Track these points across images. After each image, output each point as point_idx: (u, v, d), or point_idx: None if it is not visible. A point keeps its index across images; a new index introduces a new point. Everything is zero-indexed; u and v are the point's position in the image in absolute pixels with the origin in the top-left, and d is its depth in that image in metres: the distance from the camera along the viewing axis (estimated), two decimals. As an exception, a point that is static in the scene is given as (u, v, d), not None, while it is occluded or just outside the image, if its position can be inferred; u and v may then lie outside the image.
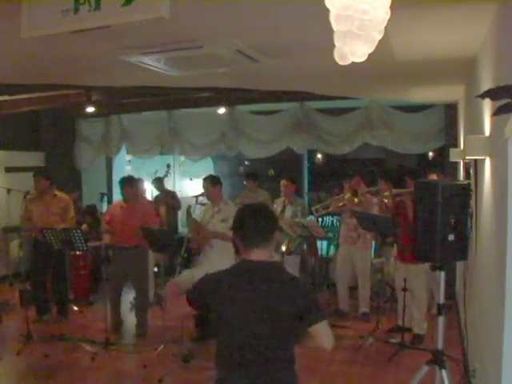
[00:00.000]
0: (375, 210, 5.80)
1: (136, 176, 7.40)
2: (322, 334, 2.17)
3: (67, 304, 6.23)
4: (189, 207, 5.15)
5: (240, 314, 2.15)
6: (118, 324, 5.67)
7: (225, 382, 2.20)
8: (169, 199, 7.66)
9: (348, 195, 5.96)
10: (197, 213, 5.37)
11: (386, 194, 5.51)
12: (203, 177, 5.39)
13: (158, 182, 7.92)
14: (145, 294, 5.75)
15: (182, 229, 8.17)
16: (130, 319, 5.85)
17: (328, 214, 6.51)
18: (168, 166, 7.67)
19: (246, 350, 2.16)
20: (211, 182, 5.20)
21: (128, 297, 6.20)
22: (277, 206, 6.30)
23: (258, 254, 2.21)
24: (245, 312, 2.15)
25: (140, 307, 5.67)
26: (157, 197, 7.92)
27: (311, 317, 2.15)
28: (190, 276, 4.45)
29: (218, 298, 2.19)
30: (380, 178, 6.06)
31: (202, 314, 2.18)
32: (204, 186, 5.27)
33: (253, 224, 2.20)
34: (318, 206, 6.22)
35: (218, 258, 4.68)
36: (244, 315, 2.15)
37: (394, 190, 5.45)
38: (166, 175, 7.77)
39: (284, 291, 2.15)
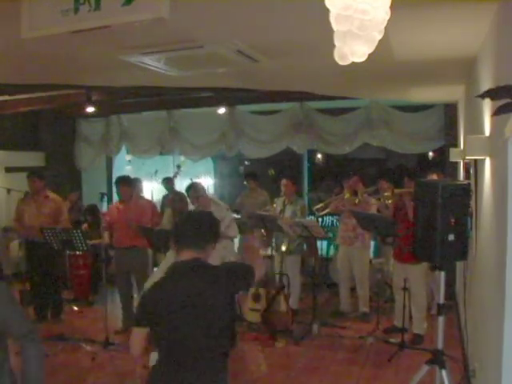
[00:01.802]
0: (373, 210, 5.80)
1: (136, 176, 7.43)
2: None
3: (61, 305, 6.18)
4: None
5: (176, 313, 2.21)
6: (130, 324, 5.63)
7: (162, 376, 2.26)
8: (176, 201, 7.64)
9: (347, 195, 5.96)
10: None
11: (387, 194, 5.52)
12: (185, 187, 5.48)
13: (167, 182, 7.89)
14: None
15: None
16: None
17: (328, 214, 6.51)
18: (178, 166, 7.68)
19: (182, 350, 2.22)
20: (193, 189, 5.31)
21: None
22: (277, 206, 6.30)
23: (189, 255, 2.29)
24: (180, 310, 2.21)
25: None
26: (164, 197, 7.89)
27: (247, 284, 2.43)
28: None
29: (155, 306, 2.25)
30: (380, 178, 6.07)
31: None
32: (188, 195, 5.38)
33: (184, 228, 2.35)
34: (319, 206, 6.22)
35: (220, 256, 4.83)
36: (180, 313, 2.21)
37: (395, 190, 5.45)
38: (175, 175, 7.77)
39: (217, 281, 2.24)
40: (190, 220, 2.42)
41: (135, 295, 5.99)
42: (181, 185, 9.40)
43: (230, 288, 2.28)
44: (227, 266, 2.51)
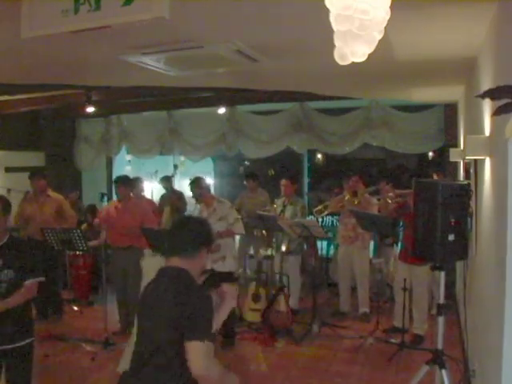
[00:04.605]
0: (374, 211, 5.80)
1: (136, 176, 7.42)
2: (193, 354, 2.05)
3: (61, 305, 6.18)
4: None
5: (142, 317, 2.27)
6: (126, 326, 5.62)
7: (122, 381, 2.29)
8: (174, 200, 7.65)
9: (348, 196, 5.96)
10: (196, 213, 5.40)
11: (389, 194, 5.52)
12: (190, 180, 5.46)
13: (166, 181, 7.89)
14: (138, 294, 5.65)
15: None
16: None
17: (327, 214, 6.51)
18: (175, 166, 7.67)
19: (140, 353, 2.23)
20: (197, 184, 5.29)
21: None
22: (277, 206, 6.30)
23: (176, 262, 2.26)
24: (146, 314, 2.25)
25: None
26: (163, 196, 7.90)
27: (188, 332, 2.07)
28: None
29: (139, 304, 2.32)
30: (381, 179, 6.07)
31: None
32: (191, 190, 5.36)
33: (172, 234, 2.33)
34: (318, 208, 6.22)
35: (225, 253, 5.07)
36: (144, 317, 2.25)
37: (397, 191, 5.45)
38: (173, 175, 7.77)
39: (176, 297, 2.14)
40: (179, 226, 2.37)
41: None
42: (180, 184, 9.42)
43: (176, 316, 2.11)
44: (199, 297, 2.17)
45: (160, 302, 2.17)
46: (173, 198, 7.62)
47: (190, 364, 2.05)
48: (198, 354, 2.04)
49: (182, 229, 2.34)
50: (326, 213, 6.25)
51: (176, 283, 2.19)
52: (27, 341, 3.07)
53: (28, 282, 3.02)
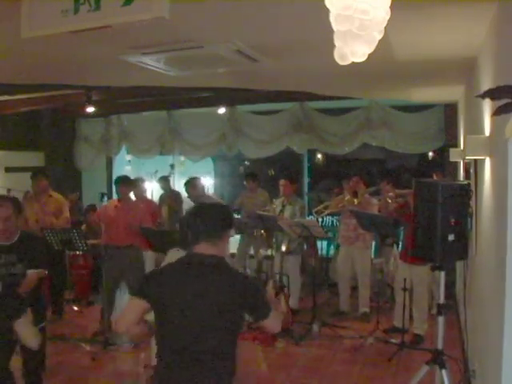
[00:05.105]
0: (375, 211, 5.79)
1: (137, 176, 7.43)
2: (273, 323, 2.31)
3: (62, 304, 6.16)
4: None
5: (184, 308, 2.16)
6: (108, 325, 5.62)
7: (166, 375, 2.20)
8: (171, 200, 7.67)
9: (348, 197, 5.96)
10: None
11: (390, 194, 5.51)
12: (184, 181, 5.46)
13: (164, 182, 7.90)
14: None
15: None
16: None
17: (327, 214, 6.51)
18: (171, 166, 7.69)
19: (188, 344, 2.15)
20: (191, 185, 5.30)
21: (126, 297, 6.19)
22: (276, 206, 6.30)
23: (205, 248, 2.22)
24: (190, 305, 2.16)
25: None
26: (161, 196, 7.91)
27: (261, 313, 2.24)
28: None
29: (161, 291, 2.20)
30: (382, 179, 6.06)
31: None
32: (186, 191, 5.37)
33: (202, 218, 2.25)
34: (319, 208, 6.22)
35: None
36: (189, 309, 2.16)
37: (397, 191, 5.45)
38: (170, 175, 7.78)
39: (233, 286, 2.18)
40: (202, 212, 2.32)
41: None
42: (180, 184, 9.43)
43: (240, 302, 2.19)
44: (250, 280, 2.34)
45: (210, 293, 2.14)
46: (170, 198, 7.65)
47: (271, 331, 2.52)
48: (274, 326, 2.33)
49: (205, 214, 2.29)
50: (326, 213, 6.25)
51: (222, 271, 2.21)
52: (41, 325, 3.43)
53: (30, 271, 3.41)
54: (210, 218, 2.26)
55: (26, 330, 2.70)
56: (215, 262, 2.21)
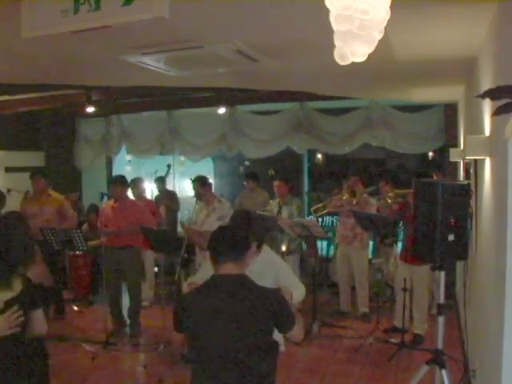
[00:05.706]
0: (373, 211, 5.79)
1: (137, 176, 7.42)
2: (297, 333, 2.43)
3: (62, 304, 6.17)
4: (181, 220, 5.25)
5: (215, 329, 2.25)
6: (120, 325, 5.63)
7: None
8: (168, 200, 7.67)
9: (346, 196, 5.96)
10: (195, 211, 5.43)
11: (390, 194, 5.51)
12: (192, 179, 5.46)
13: (160, 182, 7.91)
14: (136, 294, 5.64)
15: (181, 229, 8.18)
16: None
17: (326, 214, 6.50)
18: (168, 166, 7.70)
19: (222, 364, 2.23)
20: (200, 183, 5.31)
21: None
22: (273, 208, 6.29)
23: (227, 268, 2.33)
24: (219, 326, 2.24)
25: (132, 308, 5.60)
26: (157, 196, 7.92)
27: (287, 325, 2.36)
28: (206, 276, 4.50)
29: (192, 316, 2.31)
30: (381, 179, 6.06)
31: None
32: (194, 188, 5.38)
33: (222, 239, 2.40)
34: (317, 207, 6.21)
35: None
36: (219, 329, 2.24)
37: (397, 191, 5.44)
38: (166, 175, 7.78)
39: (264, 303, 2.27)
40: (227, 234, 2.46)
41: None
42: (180, 184, 9.43)
43: (271, 317, 2.30)
44: (276, 295, 2.43)
45: (245, 313, 2.26)
46: (166, 197, 7.65)
47: (294, 340, 2.64)
48: (298, 335, 2.45)
49: (232, 235, 2.43)
50: (324, 212, 6.24)
51: (252, 291, 2.32)
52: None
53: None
54: (236, 241, 2.40)
55: (41, 318, 2.74)
56: (241, 281, 2.34)
